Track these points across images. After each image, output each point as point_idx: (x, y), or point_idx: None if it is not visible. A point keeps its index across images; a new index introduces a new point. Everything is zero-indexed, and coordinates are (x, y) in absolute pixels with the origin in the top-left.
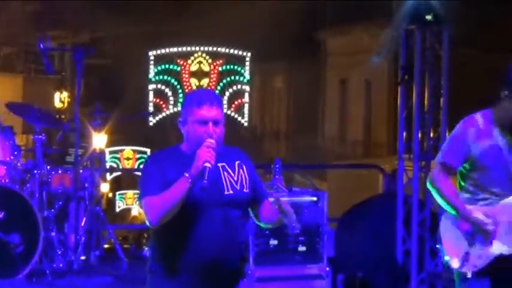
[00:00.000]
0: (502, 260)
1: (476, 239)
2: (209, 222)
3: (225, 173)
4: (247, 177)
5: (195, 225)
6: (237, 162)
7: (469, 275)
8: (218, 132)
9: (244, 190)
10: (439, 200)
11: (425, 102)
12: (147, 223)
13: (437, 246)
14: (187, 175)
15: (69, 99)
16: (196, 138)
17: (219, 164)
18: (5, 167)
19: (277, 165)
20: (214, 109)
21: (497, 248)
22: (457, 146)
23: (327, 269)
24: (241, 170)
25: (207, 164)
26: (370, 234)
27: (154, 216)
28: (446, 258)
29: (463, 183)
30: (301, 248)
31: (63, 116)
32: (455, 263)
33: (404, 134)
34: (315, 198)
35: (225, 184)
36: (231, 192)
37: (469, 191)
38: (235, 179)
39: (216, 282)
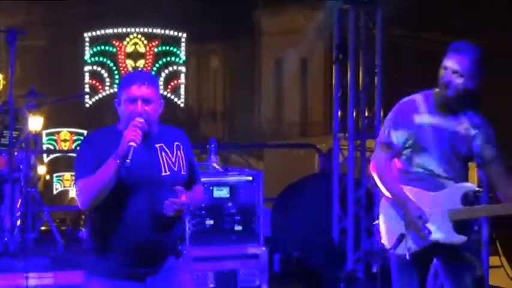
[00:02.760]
0: (437, 246)
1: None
2: (144, 202)
3: (163, 153)
4: (184, 158)
5: (129, 205)
6: (175, 144)
7: (408, 257)
8: (148, 111)
9: (182, 172)
10: (378, 184)
11: (360, 81)
12: (79, 206)
13: (375, 223)
14: (114, 156)
15: (4, 82)
16: (127, 116)
17: (157, 145)
18: None
19: (212, 145)
20: (144, 88)
21: (434, 235)
22: (395, 126)
23: (263, 248)
24: (178, 152)
25: (132, 143)
26: (306, 214)
27: (85, 199)
28: (382, 238)
29: (402, 164)
30: (238, 228)
31: None
32: (389, 244)
33: (340, 113)
34: (250, 178)
35: (162, 165)
36: (168, 173)
37: (409, 172)
38: (173, 160)
39: (147, 262)
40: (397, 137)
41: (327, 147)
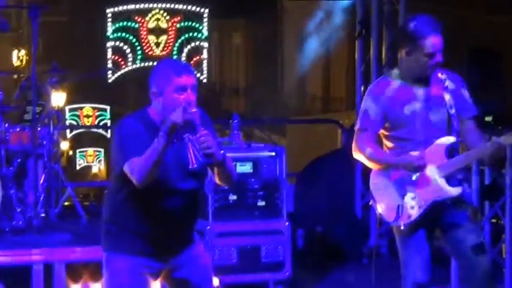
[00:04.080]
0: (435, 207)
1: (407, 187)
2: (170, 191)
3: (190, 144)
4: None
5: (161, 192)
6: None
7: (402, 227)
8: (194, 99)
9: (204, 160)
10: (368, 163)
11: (383, 56)
12: (135, 183)
13: (370, 203)
14: (160, 135)
15: (27, 57)
16: (177, 106)
17: (185, 135)
18: None
19: (235, 121)
20: (192, 77)
21: (431, 173)
22: (373, 108)
23: (286, 224)
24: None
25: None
26: (329, 189)
27: (140, 176)
28: (383, 214)
29: (388, 144)
30: (261, 203)
31: (22, 75)
32: (390, 217)
33: (362, 88)
34: (273, 153)
35: (190, 157)
36: (195, 165)
37: (396, 149)
38: (198, 149)
39: (170, 244)
40: (375, 117)
41: (350, 122)
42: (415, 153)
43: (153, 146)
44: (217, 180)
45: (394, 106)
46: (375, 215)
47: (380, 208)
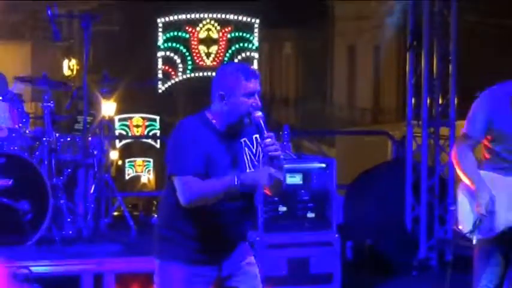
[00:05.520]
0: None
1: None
2: (227, 200)
3: (247, 149)
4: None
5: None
6: (254, 137)
7: (475, 241)
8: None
9: (260, 165)
10: (458, 172)
11: (434, 68)
12: (180, 200)
13: (451, 208)
14: (236, 180)
15: (77, 67)
16: (244, 110)
17: (242, 140)
18: (14, 135)
19: (285, 132)
20: (258, 81)
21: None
22: (478, 117)
23: (336, 235)
24: (258, 145)
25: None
26: (379, 201)
27: (190, 199)
28: (459, 223)
29: (486, 154)
30: (310, 215)
31: (72, 84)
32: (466, 229)
33: (413, 100)
34: (324, 165)
35: (246, 162)
36: (252, 170)
37: (492, 161)
38: (255, 155)
39: (224, 248)
40: (478, 126)
41: (400, 134)
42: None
43: (221, 183)
44: (266, 190)
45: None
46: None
47: (459, 216)
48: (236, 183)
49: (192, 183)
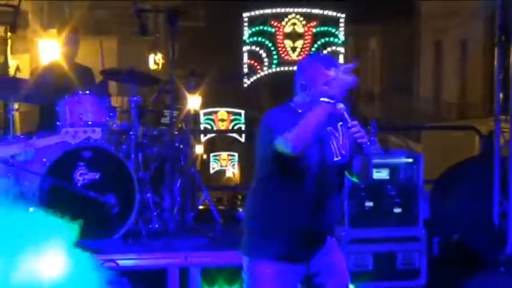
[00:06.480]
0: None
1: None
2: (312, 186)
3: (332, 137)
4: (347, 139)
5: (297, 188)
6: (339, 124)
7: None
8: None
9: (348, 155)
10: None
11: None
12: (289, 151)
13: None
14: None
15: (163, 61)
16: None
17: (328, 128)
18: (101, 129)
19: (372, 127)
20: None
21: None
22: None
23: (423, 231)
24: (343, 133)
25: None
26: (466, 197)
27: (296, 143)
28: None
29: None
30: (397, 210)
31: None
32: None
33: (501, 95)
34: (411, 160)
35: (333, 149)
36: (338, 158)
37: None
38: (341, 143)
39: (312, 244)
40: None
41: (487, 129)
42: None
43: (311, 113)
44: (354, 177)
45: None
46: None
47: None
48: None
49: (287, 135)
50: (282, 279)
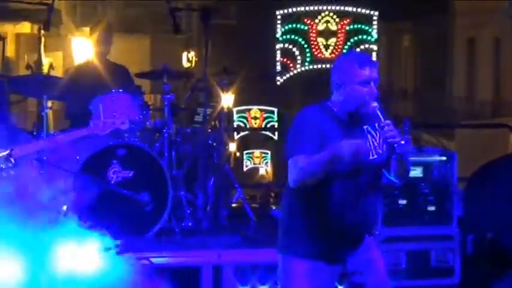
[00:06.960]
0: None
1: None
2: (349, 185)
3: (369, 136)
4: (382, 138)
5: (334, 187)
6: (376, 124)
7: None
8: (376, 93)
9: (383, 154)
10: None
11: None
12: (289, 180)
13: None
14: (335, 151)
15: (196, 59)
16: (359, 98)
17: (365, 127)
18: (135, 126)
19: (406, 125)
20: (374, 70)
21: None
22: None
23: (457, 229)
24: (378, 132)
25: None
26: (500, 195)
27: (297, 174)
28: None
29: None
30: (431, 208)
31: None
32: None
33: None
34: (444, 158)
35: (370, 148)
36: (375, 156)
37: None
38: (377, 142)
39: (349, 244)
40: None
41: None
42: None
43: (322, 155)
44: (391, 175)
45: None
46: None
47: None
48: (334, 150)
49: (299, 159)
50: (318, 279)
